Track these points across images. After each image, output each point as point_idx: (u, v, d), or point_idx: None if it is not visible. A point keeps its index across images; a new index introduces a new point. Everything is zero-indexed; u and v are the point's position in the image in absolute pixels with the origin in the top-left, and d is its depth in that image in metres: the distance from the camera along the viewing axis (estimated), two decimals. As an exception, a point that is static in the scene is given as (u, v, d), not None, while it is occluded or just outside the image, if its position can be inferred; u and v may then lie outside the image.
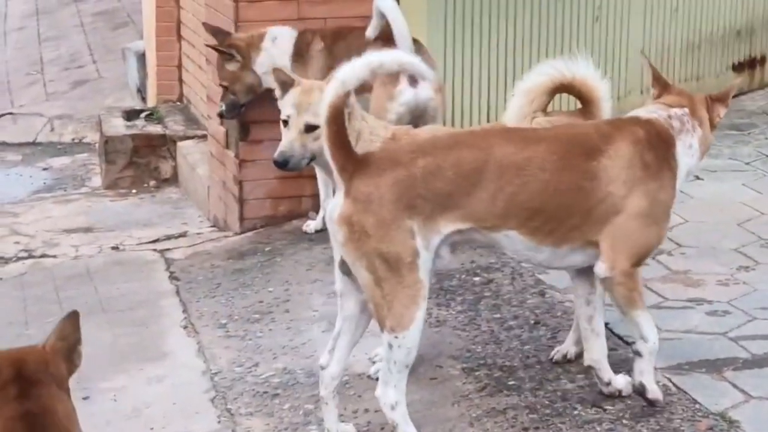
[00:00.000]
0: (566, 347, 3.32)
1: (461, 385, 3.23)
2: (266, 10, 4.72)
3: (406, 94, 4.19)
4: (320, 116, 3.18)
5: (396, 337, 2.72)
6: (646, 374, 2.92)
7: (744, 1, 6.47)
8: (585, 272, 2.97)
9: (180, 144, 5.99)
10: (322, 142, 3.20)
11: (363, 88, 3.67)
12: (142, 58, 7.16)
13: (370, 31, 4.45)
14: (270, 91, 4.62)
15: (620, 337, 3.27)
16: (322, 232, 4.73)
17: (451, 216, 2.74)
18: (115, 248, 5.02)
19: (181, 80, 6.58)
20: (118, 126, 6.22)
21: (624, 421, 2.95)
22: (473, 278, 3.92)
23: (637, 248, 2.87)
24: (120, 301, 4.36)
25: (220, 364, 3.66)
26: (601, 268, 2.85)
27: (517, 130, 2.99)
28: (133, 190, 5.96)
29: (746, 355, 3.31)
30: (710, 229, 4.33)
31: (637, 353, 2.93)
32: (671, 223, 3.21)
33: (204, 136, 5.69)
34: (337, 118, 2.71)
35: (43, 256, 4.99)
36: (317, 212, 4.78)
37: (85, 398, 3.46)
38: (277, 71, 3.30)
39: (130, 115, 6.45)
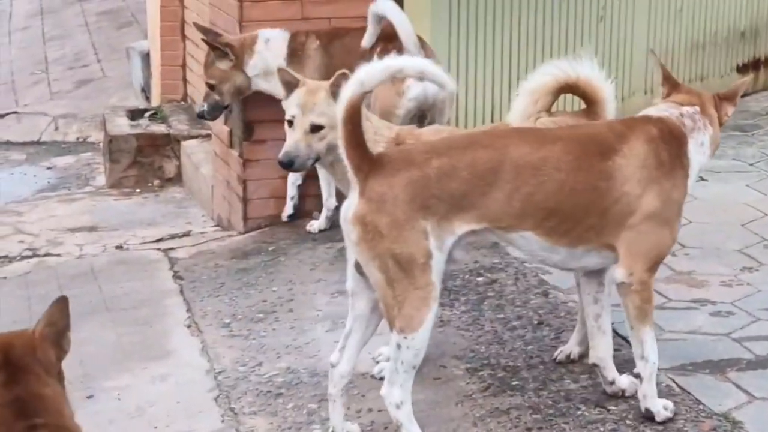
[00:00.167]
0: (570, 347, 3.32)
1: (465, 385, 3.23)
2: (270, 9, 4.72)
3: (414, 90, 4.19)
4: (325, 116, 3.19)
5: (405, 338, 2.72)
6: (649, 398, 2.92)
7: (748, 2, 6.46)
8: (594, 270, 2.97)
9: (184, 143, 5.99)
10: (326, 142, 3.22)
11: None
12: (146, 57, 7.17)
13: (366, 40, 4.45)
14: (258, 93, 4.65)
15: (624, 338, 3.27)
16: (326, 232, 4.74)
17: (466, 216, 2.74)
18: (119, 247, 5.03)
19: (185, 80, 6.58)
20: (122, 125, 6.23)
21: (627, 422, 2.95)
22: (477, 278, 3.92)
23: (653, 251, 2.87)
24: (124, 300, 4.36)
25: (224, 363, 3.66)
26: (619, 273, 2.85)
27: (532, 130, 2.99)
28: (137, 190, 5.96)
29: (750, 356, 3.31)
30: (714, 230, 4.33)
31: (638, 377, 2.93)
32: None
33: (208, 136, 5.69)
34: (353, 118, 2.71)
35: (47, 255, 4.99)
36: (320, 212, 4.79)
37: (89, 397, 3.46)
38: (282, 71, 3.30)
39: (135, 114, 6.46)
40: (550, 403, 3.07)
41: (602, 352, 3.03)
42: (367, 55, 4.36)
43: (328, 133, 3.20)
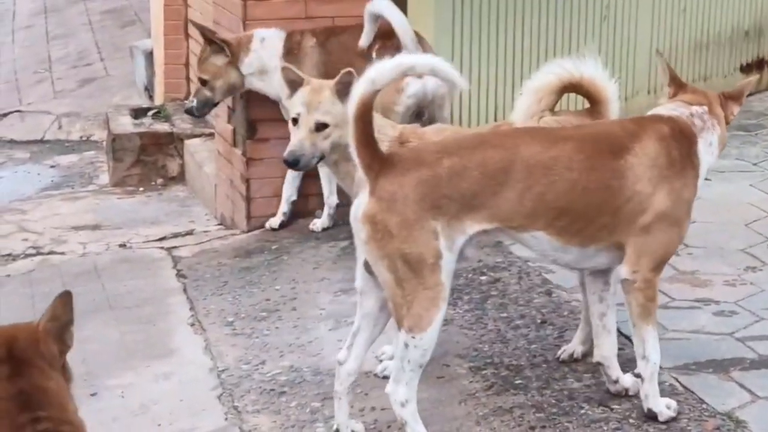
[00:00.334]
0: (573, 346, 3.32)
1: (468, 383, 3.23)
2: (274, 8, 4.72)
3: (414, 86, 4.20)
4: (330, 114, 3.19)
5: (413, 338, 2.72)
6: (651, 398, 2.92)
7: (752, 1, 6.46)
8: (600, 269, 2.97)
9: (187, 142, 6.00)
10: (331, 140, 3.22)
11: None
12: (149, 56, 7.18)
13: (363, 40, 4.45)
14: (249, 92, 4.65)
15: (627, 337, 3.27)
16: (329, 231, 4.75)
17: (477, 216, 2.73)
18: (123, 246, 5.04)
19: (188, 78, 6.59)
20: (125, 124, 6.24)
21: (631, 421, 2.95)
22: (480, 277, 3.92)
23: (661, 250, 2.87)
24: (127, 299, 4.37)
25: (227, 361, 3.66)
26: (624, 270, 2.85)
27: (542, 130, 2.99)
28: (141, 188, 5.97)
29: (753, 356, 3.31)
30: (717, 229, 4.33)
31: (639, 377, 2.93)
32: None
33: (211, 135, 5.70)
34: (365, 116, 2.71)
35: (51, 253, 5.00)
36: (323, 210, 4.79)
37: (92, 394, 3.47)
38: (286, 70, 3.29)
39: (138, 113, 6.46)
40: (554, 401, 3.07)
41: (607, 350, 3.03)
42: (364, 53, 4.38)
43: (333, 132, 3.20)
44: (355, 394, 3.13)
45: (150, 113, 6.45)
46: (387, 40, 4.47)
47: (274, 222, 4.80)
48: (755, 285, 3.84)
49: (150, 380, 3.65)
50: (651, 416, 2.92)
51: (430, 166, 2.72)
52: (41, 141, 7.36)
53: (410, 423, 2.79)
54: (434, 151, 2.78)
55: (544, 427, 2.96)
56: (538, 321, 3.60)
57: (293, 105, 3.27)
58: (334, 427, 3.01)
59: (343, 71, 3.20)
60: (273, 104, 4.70)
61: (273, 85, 4.57)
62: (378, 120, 3.27)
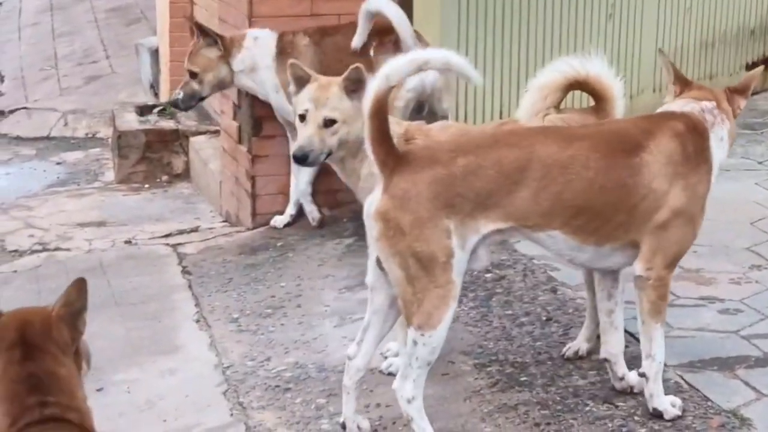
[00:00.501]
0: (578, 344, 3.32)
1: (473, 380, 3.23)
2: (279, 5, 4.73)
3: (412, 80, 4.20)
4: (338, 111, 3.20)
5: (422, 335, 2.72)
6: (656, 397, 2.92)
7: (758, 0, 6.45)
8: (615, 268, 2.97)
9: (192, 139, 6.01)
10: (338, 137, 3.22)
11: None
12: (155, 53, 7.19)
13: (356, 41, 4.46)
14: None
15: (632, 335, 3.27)
16: (334, 228, 4.75)
17: (492, 215, 2.73)
18: (128, 242, 5.05)
19: (194, 76, 6.58)
20: (131, 121, 6.25)
21: (636, 418, 2.95)
22: (485, 275, 3.92)
23: (675, 247, 2.87)
24: (133, 295, 4.38)
25: (232, 357, 3.67)
26: (638, 267, 2.85)
27: (558, 129, 2.98)
28: (146, 185, 5.98)
29: (758, 354, 3.30)
30: (723, 227, 4.33)
31: (643, 376, 2.93)
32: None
33: (216, 132, 5.71)
34: (380, 113, 2.71)
35: (56, 249, 5.02)
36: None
37: (98, 390, 3.48)
38: (293, 66, 3.29)
39: (143, 110, 6.47)
40: (558, 399, 3.08)
41: (614, 347, 3.04)
42: (359, 53, 4.38)
43: (341, 128, 3.20)
44: (360, 391, 3.14)
45: (155, 110, 6.47)
46: (384, 36, 4.48)
47: (280, 222, 4.81)
48: (760, 283, 3.84)
49: (156, 376, 3.66)
50: (656, 415, 2.92)
51: (445, 164, 2.71)
52: (47, 138, 7.38)
53: (416, 419, 2.79)
54: (449, 150, 2.77)
55: (548, 424, 2.96)
56: (543, 318, 3.60)
57: (300, 101, 3.27)
58: (341, 421, 3.01)
59: (351, 67, 3.20)
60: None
61: (262, 84, 4.60)
62: (384, 117, 3.27)
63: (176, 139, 6.07)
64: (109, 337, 3.89)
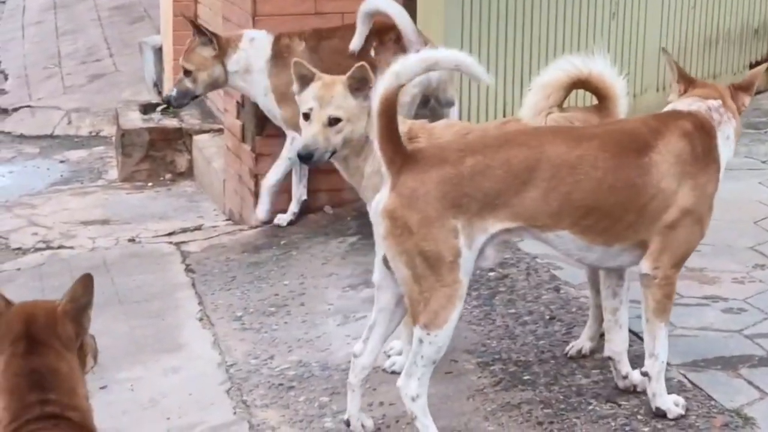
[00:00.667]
0: (581, 343, 3.32)
1: (476, 379, 3.23)
2: (283, 4, 4.73)
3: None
4: (343, 109, 3.19)
5: (428, 334, 2.72)
6: (659, 396, 2.92)
7: (762, -1, 6.45)
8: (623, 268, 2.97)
9: (196, 138, 6.02)
10: (343, 135, 3.22)
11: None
12: (158, 52, 7.20)
13: (355, 43, 4.46)
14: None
15: (636, 334, 3.27)
16: (336, 227, 4.76)
17: (500, 215, 2.73)
18: (132, 240, 5.06)
19: (197, 74, 6.59)
20: (134, 119, 6.26)
21: (639, 417, 2.95)
22: (488, 273, 3.92)
23: (683, 247, 2.88)
24: (136, 293, 4.39)
25: (236, 356, 3.68)
26: (644, 265, 2.85)
27: (566, 128, 2.98)
28: (149, 183, 5.99)
29: (761, 353, 3.30)
30: (726, 227, 4.32)
31: (646, 375, 2.93)
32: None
33: (220, 130, 5.71)
34: (389, 111, 2.71)
35: (60, 247, 5.03)
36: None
37: (102, 387, 3.49)
38: (297, 64, 3.29)
39: (147, 108, 6.49)
40: (562, 397, 3.08)
41: (618, 345, 3.04)
42: (357, 55, 4.37)
43: (345, 127, 3.20)
44: (364, 389, 3.14)
45: (159, 109, 6.47)
46: (383, 35, 4.49)
47: (283, 220, 4.81)
48: (764, 282, 3.83)
49: (159, 374, 3.67)
50: (660, 414, 2.92)
51: (453, 164, 2.71)
52: (51, 136, 7.39)
53: (420, 417, 2.80)
54: (457, 149, 2.78)
55: (551, 422, 2.96)
56: (547, 317, 3.60)
57: (305, 100, 3.26)
58: (346, 418, 3.02)
59: (355, 66, 3.20)
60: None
61: (255, 86, 4.61)
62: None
63: (180, 138, 6.07)
64: (112, 335, 3.89)
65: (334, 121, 3.20)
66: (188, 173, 6.03)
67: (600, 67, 3.17)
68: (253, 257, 4.58)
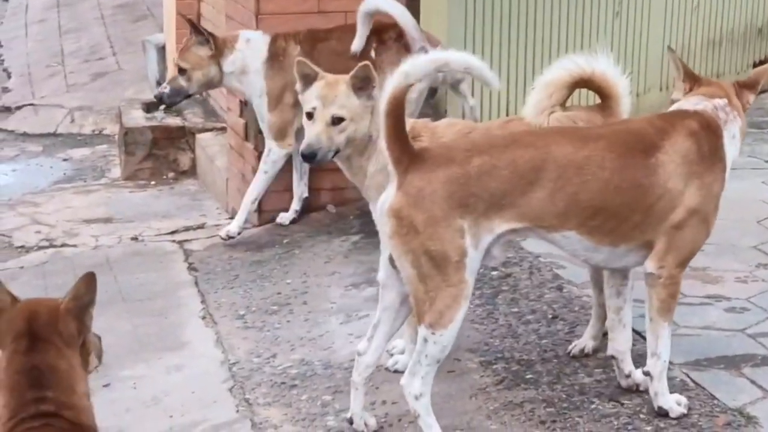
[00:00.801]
0: (584, 341, 3.32)
1: (479, 378, 3.24)
2: (285, 3, 4.73)
3: None
4: (346, 108, 3.20)
5: (433, 334, 2.73)
6: (661, 396, 2.92)
7: (765, -2, 6.44)
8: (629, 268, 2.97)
9: (199, 136, 6.02)
10: (346, 135, 3.22)
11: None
12: (161, 50, 7.20)
13: (356, 44, 4.45)
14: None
15: (639, 333, 3.27)
16: (339, 225, 4.76)
17: (507, 215, 2.73)
18: (135, 239, 5.06)
19: (200, 73, 6.59)
20: (137, 118, 6.26)
21: (641, 416, 2.95)
22: (491, 272, 3.92)
23: (688, 246, 2.88)
24: (139, 291, 4.39)
25: (238, 354, 3.68)
26: (650, 265, 2.85)
27: (572, 129, 2.98)
28: (152, 182, 5.99)
29: (764, 352, 3.30)
30: (729, 226, 4.31)
31: (648, 374, 2.93)
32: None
33: (223, 129, 5.72)
34: (397, 110, 2.71)
35: (63, 245, 5.03)
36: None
37: (105, 385, 3.50)
38: (300, 63, 3.29)
39: (150, 107, 6.48)
40: (564, 396, 3.08)
41: (621, 344, 3.04)
42: (356, 56, 4.37)
43: (349, 126, 3.20)
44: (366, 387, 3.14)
45: (162, 107, 6.47)
46: (383, 34, 4.49)
47: (285, 218, 4.82)
48: (767, 282, 3.83)
49: (162, 372, 3.67)
50: (662, 413, 2.92)
51: (460, 164, 2.71)
52: (54, 134, 7.39)
53: (423, 416, 2.80)
54: (464, 149, 2.78)
55: (554, 421, 2.96)
56: (549, 316, 3.60)
57: (308, 99, 3.26)
58: (348, 417, 3.02)
59: (359, 65, 3.20)
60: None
61: (250, 87, 4.61)
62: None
63: (183, 136, 6.07)
64: (115, 333, 3.90)
65: (337, 121, 3.20)
66: (191, 172, 6.03)
67: (603, 66, 3.17)
68: (256, 256, 4.58)
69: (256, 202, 4.74)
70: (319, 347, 3.65)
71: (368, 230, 4.32)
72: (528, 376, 3.22)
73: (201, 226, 5.16)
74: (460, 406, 3.09)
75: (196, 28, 4.62)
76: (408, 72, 2.72)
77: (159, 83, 7.36)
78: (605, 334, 3.26)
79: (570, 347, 3.33)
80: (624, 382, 3.08)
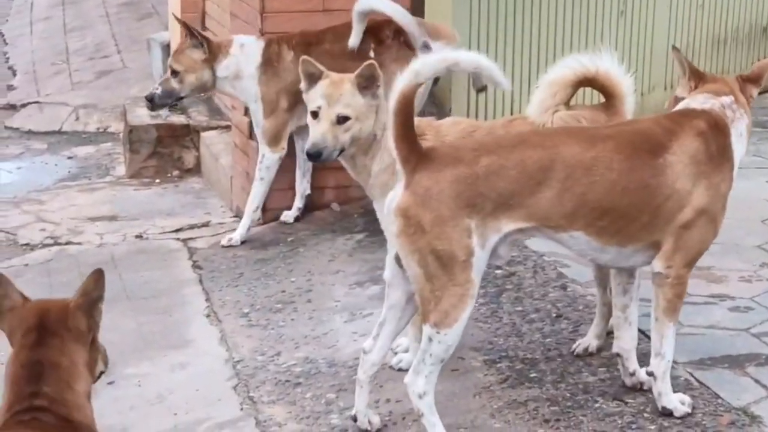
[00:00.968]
0: (588, 340, 3.32)
1: (483, 376, 3.24)
2: (291, 1, 4.74)
3: None
4: (351, 107, 3.20)
5: (438, 333, 2.73)
6: (664, 396, 2.92)
7: (770, -3, 6.43)
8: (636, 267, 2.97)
9: (203, 134, 6.02)
10: (351, 134, 3.22)
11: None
12: (166, 48, 7.20)
13: (353, 40, 4.45)
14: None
15: (643, 332, 3.27)
16: (343, 224, 4.76)
17: (514, 215, 2.73)
18: (139, 237, 5.07)
19: (205, 71, 6.59)
20: (142, 116, 6.26)
21: (645, 415, 2.95)
22: (495, 271, 3.92)
23: (696, 247, 2.88)
24: (144, 289, 4.40)
25: (243, 352, 3.69)
26: (657, 264, 2.85)
27: (581, 129, 2.98)
28: (157, 180, 6.00)
29: (769, 352, 3.30)
30: (734, 225, 4.30)
31: (651, 375, 2.93)
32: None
33: (227, 127, 5.72)
34: (406, 109, 2.71)
35: (68, 243, 5.04)
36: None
37: (110, 383, 3.50)
38: (305, 62, 3.29)
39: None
40: (568, 395, 3.08)
41: (626, 342, 3.04)
42: (358, 54, 4.37)
43: (354, 125, 3.20)
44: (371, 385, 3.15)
45: (157, 110, 6.47)
46: (380, 33, 4.49)
47: (289, 216, 4.83)
48: (771, 281, 3.83)
49: (166, 370, 3.68)
50: (666, 414, 2.92)
51: (468, 163, 2.71)
52: (59, 132, 7.40)
53: (427, 415, 2.80)
54: (472, 149, 2.78)
55: (558, 420, 2.96)
56: (553, 315, 3.60)
57: (312, 98, 3.26)
58: (353, 414, 3.03)
59: (364, 64, 3.20)
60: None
61: (243, 92, 4.62)
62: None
63: (187, 134, 6.08)
64: (120, 331, 3.91)
65: (342, 120, 3.20)
66: (196, 170, 6.04)
67: (607, 65, 3.17)
68: (260, 254, 4.59)
69: (259, 210, 4.75)
70: (324, 345, 3.65)
71: (372, 229, 4.32)
72: (532, 375, 3.22)
73: (205, 224, 5.17)
74: (464, 405, 3.09)
75: (190, 30, 4.62)
76: (418, 71, 2.72)
77: (164, 81, 7.37)
78: (609, 333, 3.27)
79: (574, 346, 3.33)
80: (628, 381, 3.08)
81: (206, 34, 4.90)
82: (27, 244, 5.06)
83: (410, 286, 2.83)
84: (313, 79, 3.27)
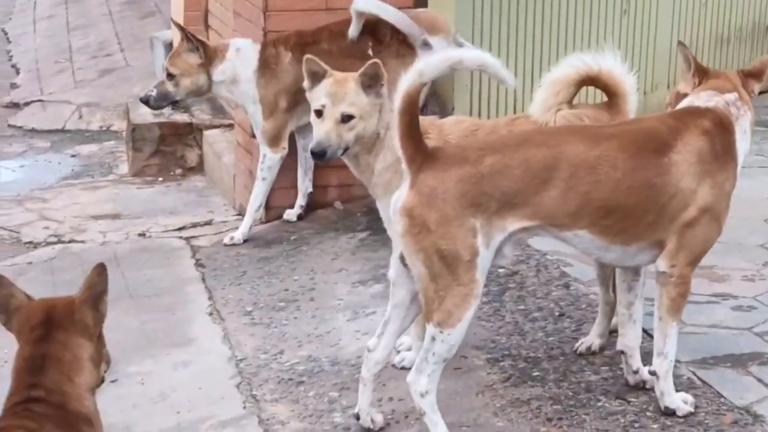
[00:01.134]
0: (590, 339, 3.32)
1: (485, 375, 3.24)
2: (293, 0, 4.74)
3: None
4: (355, 106, 3.20)
5: (441, 332, 2.73)
6: (667, 395, 2.92)
7: (774, -4, 6.42)
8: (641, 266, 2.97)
9: (206, 133, 6.03)
10: (355, 132, 3.21)
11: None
12: (169, 47, 7.19)
13: (353, 30, 4.46)
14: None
15: (645, 331, 3.27)
16: (346, 222, 4.76)
17: (519, 214, 2.73)
18: (142, 235, 5.07)
19: (208, 70, 6.59)
20: (145, 114, 6.26)
21: (648, 413, 2.95)
22: (498, 270, 3.92)
23: (700, 245, 2.88)
24: (147, 287, 4.40)
25: (245, 350, 3.69)
26: (661, 263, 2.85)
27: (585, 128, 2.98)
28: (160, 178, 6.01)
29: (771, 351, 3.30)
30: (736, 224, 4.29)
31: (654, 374, 2.93)
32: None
33: (230, 125, 5.72)
34: (411, 108, 2.71)
35: (71, 241, 5.05)
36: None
37: (113, 381, 3.50)
38: (309, 61, 3.29)
39: (157, 103, 6.47)
40: (571, 394, 3.08)
41: (630, 340, 3.04)
42: (357, 54, 4.37)
43: (358, 124, 3.20)
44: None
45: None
46: (378, 32, 4.49)
47: (292, 215, 4.83)
48: (774, 280, 3.83)
49: (169, 368, 3.68)
50: (669, 413, 2.92)
51: (473, 163, 2.71)
52: (62, 130, 7.41)
53: (429, 413, 2.81)
54: (477, 149, 2.78)
55: (561, 419, 2.97)
56: (556, 314, 3.61)
57: (317, 97, 3.26)
58: (356, 412, 3.03)
59: (368, 62, 3.20)
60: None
61: (241, 96, 4.62)
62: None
63: (190, 133, 6.08)
64: (123, 329, 3.91)
65: (347, 118, 3.20)
66: (198, 168, 6.04)
67: (610, 63, 3.17)
68: (263, 252, 4.59)
69: (261, 209, 4.76)
70: (326, 344, 3.66)
71: (375, 227, 4.33)
72: (535, 374, 3.22)
73: (208, 223, 5.17)
74: (467, 403, 3.09)
75: (186, 34, 4.63)
76: (422, 71, 2.72)
77: (166, 80, 7.38)
78: (612, 332, 3.27)
79: (577, 345, 3.33)
80: (631, 378, 3.08)
81: (204, 37, 4.91)
82: (30, 242, 5.06)
83: (414, 285, 2.83)
84: (317, 77, 3.27)
